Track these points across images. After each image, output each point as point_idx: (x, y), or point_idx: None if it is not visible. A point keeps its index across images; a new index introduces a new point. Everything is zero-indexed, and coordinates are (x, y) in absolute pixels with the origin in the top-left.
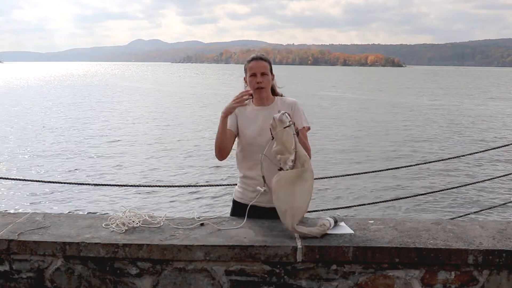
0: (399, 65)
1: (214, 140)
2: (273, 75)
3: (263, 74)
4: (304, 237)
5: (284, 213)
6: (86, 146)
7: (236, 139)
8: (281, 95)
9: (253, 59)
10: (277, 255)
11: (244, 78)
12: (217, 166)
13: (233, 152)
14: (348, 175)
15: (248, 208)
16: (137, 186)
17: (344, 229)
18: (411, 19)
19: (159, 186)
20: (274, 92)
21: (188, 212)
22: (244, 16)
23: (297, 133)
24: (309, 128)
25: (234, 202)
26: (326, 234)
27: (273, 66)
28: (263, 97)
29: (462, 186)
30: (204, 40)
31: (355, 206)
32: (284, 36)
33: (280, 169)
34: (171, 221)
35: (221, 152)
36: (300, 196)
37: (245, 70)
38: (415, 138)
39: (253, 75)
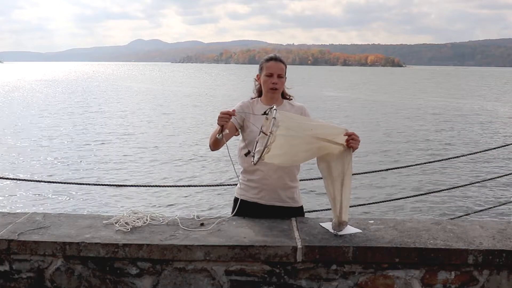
0: (399, 65)
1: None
2: (285, 78)
3: (279, 76)
4: (304, 237)
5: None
6: (87, 146)
7: (240, 136)
8: (289, 97)
9: (271, 58)
10: (277, 255)
11: (257, 76)
12: (218, 166)
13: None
14: None
15: (249, 205)
16: (137, 186)
17: (351, 229)
18: (411, 19)
19: (159, 186)
20: (282, 94)
21: (188, 212)
22: (244, 16)
23: None
24: None
25: (236, 200)
26: (336, 234)
27: None
28: (274, 97)
29: (462, 186)
30: (204, 40)
31: (355, 206)
32: (284, 36)
33: None
34: (171, 221)
35: (214, 147)
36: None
37: (261, 68)
38: (415, 138)
39: (270, 75)
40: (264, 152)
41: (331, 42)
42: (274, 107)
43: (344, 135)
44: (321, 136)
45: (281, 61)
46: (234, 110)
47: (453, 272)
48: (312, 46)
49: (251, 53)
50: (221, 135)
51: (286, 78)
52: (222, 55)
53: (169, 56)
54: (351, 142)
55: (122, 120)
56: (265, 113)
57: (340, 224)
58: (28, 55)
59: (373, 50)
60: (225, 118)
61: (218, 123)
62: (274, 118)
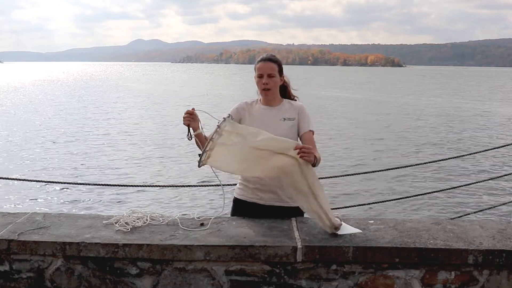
0: (399, 65)
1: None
2: (283, 77)
3: (269, 75)
4: (304, 237)
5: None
6: (87, 146)
7: None
8: (293, 98)
9: (261, 59)
10: (277, 255)
11: (255, 77)
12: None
13: None
14: (348, 175)
15: (248, 205)
16: (137, 186)
17: (351, 229)
18: (411, 19)
19: (160, 186)
20: (287, 94)
21: (188, 212)
22: (244, 16)
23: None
24: (313, 132)
25: (235, 199)
26: (336, 234)
27: None
28: (269, 98)
29: (462, 186)
30: (204, 40)
31: (355, 206)
32: (284, 36)
33: None
34: (171, 221)
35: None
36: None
37: (254, 70)
38: (415, 138)
39: (260, 76)
40: (203, 157)
41: (331, 42)
42: (225, 116)
43: (294, 149)
44: (266, 147)
45: (270, 60)
46: (193, 109)
47: (453, 272)
48: (312, 46)
49: (251, 53)
50: (189, 134)
51: (283, 76)
52: (222, 55)
53: (169, 56)
54: (303, 155)
55: (122, 120)
56: (224, 119)
57: (336, 228)
58: (28, 55)
59: (373, 50)
60: (187, 117)
61: (184, 124)
62: (218, 126)
